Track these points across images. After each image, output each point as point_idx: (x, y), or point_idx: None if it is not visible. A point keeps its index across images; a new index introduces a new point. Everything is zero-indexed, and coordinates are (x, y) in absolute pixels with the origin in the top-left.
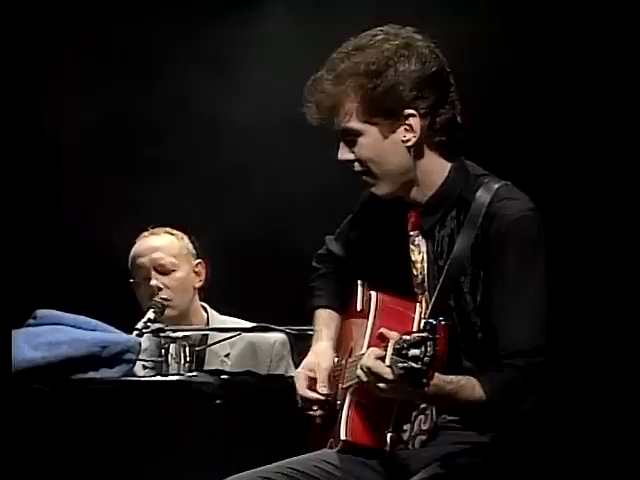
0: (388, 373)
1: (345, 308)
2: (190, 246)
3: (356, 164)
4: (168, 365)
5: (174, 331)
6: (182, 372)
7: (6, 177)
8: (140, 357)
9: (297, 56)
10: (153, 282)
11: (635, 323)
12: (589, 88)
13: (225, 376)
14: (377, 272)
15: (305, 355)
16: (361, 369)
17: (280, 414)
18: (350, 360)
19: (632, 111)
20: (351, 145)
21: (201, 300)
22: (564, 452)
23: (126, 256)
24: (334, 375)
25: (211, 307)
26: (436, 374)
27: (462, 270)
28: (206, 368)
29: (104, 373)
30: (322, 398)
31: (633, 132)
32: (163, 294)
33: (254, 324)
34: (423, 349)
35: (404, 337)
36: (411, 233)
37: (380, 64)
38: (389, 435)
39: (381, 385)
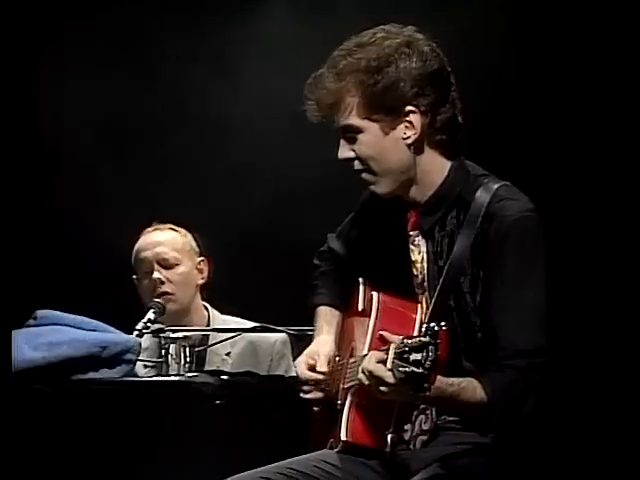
0: (389, 377)
1: (346, 306)
2: (193, 243)
3: (356, 162)
4: (168, 365)
5: (174, 331)
6: (182, 372)
7: (6, 177)
8: (140, 357)
9: (299, 53)
10: (155, 275)
11: (635, 323)
12: (588, 87)
13: (225, 376)
14: (377, 271)
15: None
16: (362, 372)
17: (280, 414)
18: (351, 360)
19: (631, 110)
20: (351, 142)
21: (203, 299)
22: (564, 452)
23: (127, 256)
24: (335, 374)
25: (213, 306)
26: (438, 377)
27: (462, 270)
28: (207, 367)
29: (104, 373)
30: (321, 377)
31: (632, 132)
32: (165, 288)
33: (255, 324)
34: (424, 353)
35: (405, 341)
36: (411, 233)
37: (381, 61)
38: (389, 436)
39: (382, 388)
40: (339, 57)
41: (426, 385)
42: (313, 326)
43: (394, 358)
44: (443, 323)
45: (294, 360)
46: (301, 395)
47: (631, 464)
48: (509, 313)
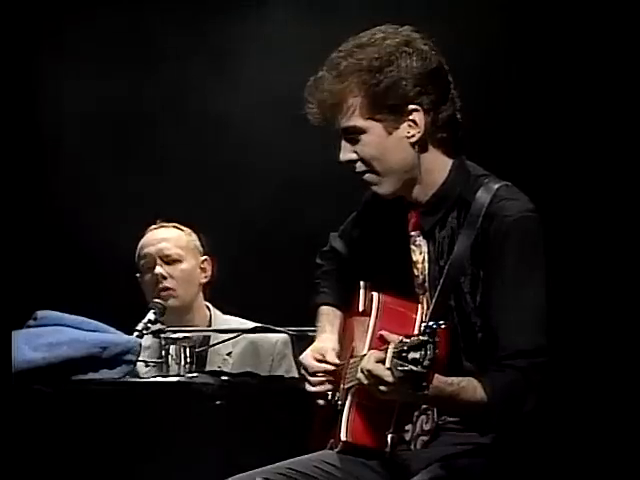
0: (388, 376)
1: (348, 306)
2: (197, 242)
3: (358, 164)
4: (168, 366)
5: (174, 332)
6: (182, 373)
7: (5, 177)
8: (142, 356)
9: (300, 50)
10: (157, 270)
11: (635, 323)
12: (584, 86)
13: (225, 377)
14: (378, 271)
15: None
16: (361, 372)
17: (280, 415)
18: (352, 361)
19: (631, 110)
20: (354, 144)
21: (206, 299)
22: (564, 453)
23: (127, 256)
24: (336, 374)
25: (215, 306)
26: (437, 376)
27: (462, 270)
28: (208, 367)
29: (104, 374)
30: (331, 368)
31: (632, 131)
32: (167, 283)
33: (256, 324)
34: (423, 352)
35: (404, 340)
36: (412, 233)
37: (382, 60)
38: (390, 436)
39: (381, 388)
40: (339, 58)
41: (425, 384)
42: (314, 326)
43: (393, 357)
44: (442, 322)
45: (295, 362)
46: (307, 388)
47: (631, 464)
48: (509, 313)
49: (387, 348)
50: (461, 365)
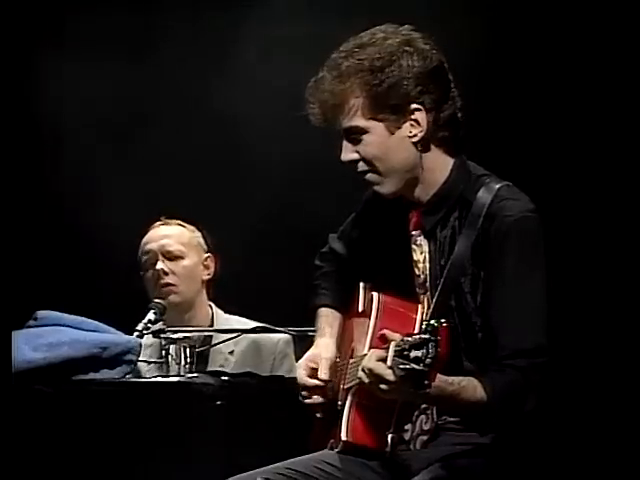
0: (389, 374)
1: (347, 307)
2: (201, 240)
3: (360, 164)
4: (168, 366)
5: (174, 332)
6: (182, 373)
7: (5, 177)
8: (143, 355)
9: (300, 46)
10: (159, 265)
11: (635, 323)
12: (587, 87)
13: (225, 377)
14: (379, 271)
15: None
16: (362, 370)
17: (280, 415)
18: (351, 361)
19: (631, 110)
20: (355, 144)
21: (209, 299)
22: (564, 453)
23: (127, 257)
24: (335, 375)
25: (218, 305)
26: (438, 375)
27: (463, 270)
28: (210, 365)
29: (105, 374)
30: (322, 384)
31: (632, 131)
32: (168, 279)
33: (258, 323)
34: (425, 350)
35: (405, 338)
36: (413, 233)
37: (384, 60)
38: (390, 436)
39: (383, 386)
40: (340, 59)
41: (426, 382)
42: (314, 327)
43: (394, 355)
44: (443, 320)
45: (297, 360)
46: (300, 400)
47: (631, 464)
48: (509, 313)
49: (388, 347)
50: (461, 365)
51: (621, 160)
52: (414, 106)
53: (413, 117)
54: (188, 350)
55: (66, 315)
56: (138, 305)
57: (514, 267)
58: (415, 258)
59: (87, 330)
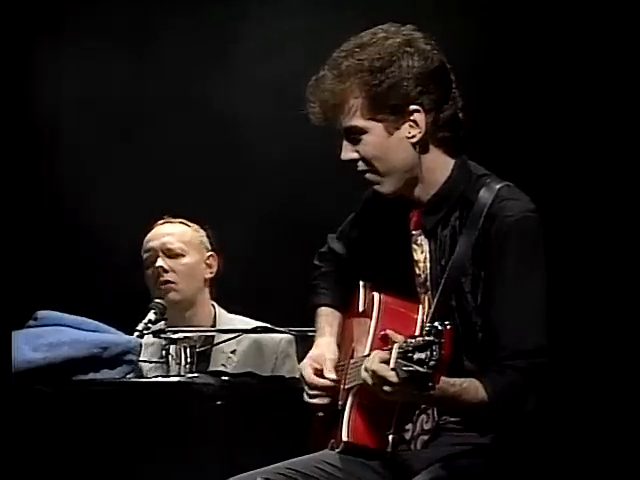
0: (393, 376)
1: (347, 307)
2: (204, 239)
3: (360, 163)
4: (169, 366)
5: (175, 332)
6: (183, 373)
7: (5, 177)
8: (144, 354)
9: (302, 44)
10: (159, 262)
11: (635, 323)
12: (587, 87)
13: (226, 377)
14: (379, 271)
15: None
16: (366, 372)
17: (281, 415)
18: (352, 361)
19: (631, 110)
20: (355, 143)
21: (212, 298)
22: (564, 453)
23: (127, 257)
24: (336, 374)
25: (220, 305)
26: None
27: (463, 270)
28: (212, 365)
29: (105, 374)
30: (330, 384)
31: (632, 131)
32: (168, 276)
33: (260, 323)
34: (428, 353)
35: (409, 340)
36: (413, 232)
37: (384, 60)
38: (391, 436)
39: (386, 388)
40: (340, 58)
41: (430, 384)
42: (313, 327)
43: (398, 357)
44: (447, 322)
45: (299, 361)
46: (305, 399)
47: (631, 464)
48: (509, 313)
49: (391, 348)
50: (462, 365)
51: (621, 160)
52: (413, 107)
53: (412, 118)
54: (188, 350)
55: (66, 315)
56: (138, 305)
57: (514, 267)
58: (416, 258)
59: (87, 330)
